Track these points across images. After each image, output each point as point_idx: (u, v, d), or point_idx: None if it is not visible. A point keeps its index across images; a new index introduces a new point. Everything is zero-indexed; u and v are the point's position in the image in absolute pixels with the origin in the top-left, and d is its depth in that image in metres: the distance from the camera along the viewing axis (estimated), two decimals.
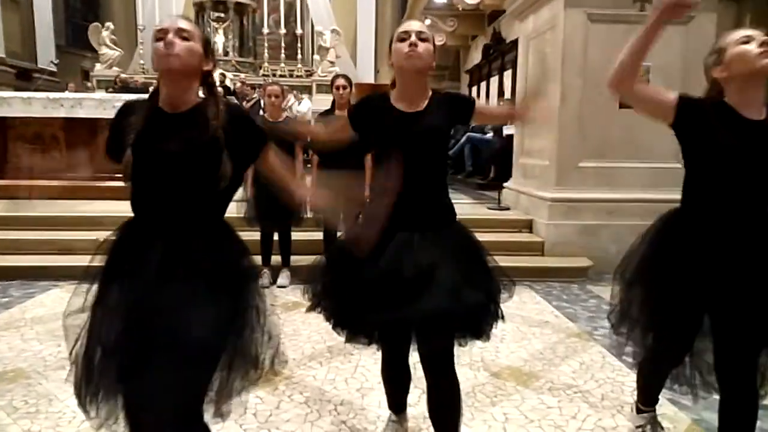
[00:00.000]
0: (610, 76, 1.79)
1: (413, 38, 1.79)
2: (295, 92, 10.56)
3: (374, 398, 2.62)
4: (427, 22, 11.43)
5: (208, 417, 1.58)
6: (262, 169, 1.68)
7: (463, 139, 8.61)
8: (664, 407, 2.41)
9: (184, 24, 1.55)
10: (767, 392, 1.86)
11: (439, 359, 1.82)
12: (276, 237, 4.55)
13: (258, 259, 4.15)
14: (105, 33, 12.95)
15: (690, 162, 1.82)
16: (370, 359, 3.03)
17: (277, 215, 4.30)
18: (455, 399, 1.87)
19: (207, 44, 1.60)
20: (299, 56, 14.71)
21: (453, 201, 1.95)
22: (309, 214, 4.61)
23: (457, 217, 1.94)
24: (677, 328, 1.87)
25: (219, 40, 13.59)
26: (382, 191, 1.82)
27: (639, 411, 2.28)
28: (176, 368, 1.42)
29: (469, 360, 3.00)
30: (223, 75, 10.76)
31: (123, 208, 1.68)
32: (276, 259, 4.56)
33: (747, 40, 1.69)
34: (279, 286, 4.43)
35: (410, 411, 2.29)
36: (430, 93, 1.90)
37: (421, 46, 1.79)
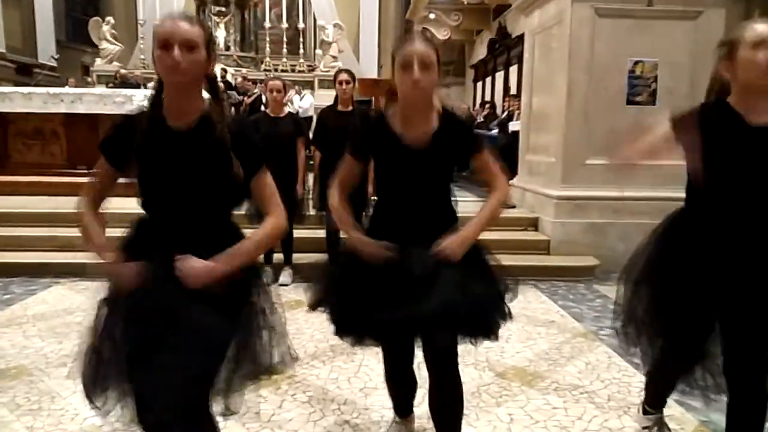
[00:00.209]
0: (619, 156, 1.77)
1: (416, 73, 1.70)
2: (297, 87, 10.51)
3: (378, 398, 2.58)
4: (432, 16, 11.38)
5: (216, 411, 1.60)
6: (254, 189, 1.60)
7: None
8: (671, 408, 2.38)
9: (187, 32, 1.47)
10: None
11: (443, 358, 1.80)
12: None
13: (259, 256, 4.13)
14: (105, 28, 12.93)
15: (691, 171, 1.79)
16: (373, 358, 2.99)
17: None
18: (457, 399, 1.84)
19: (210, 44, 1.55)
20: (301, 51, 14.67)
21: (458, 199, 1.93)
22: (311, 212, 4.58)
23: (462, 215, 1.92)
24: (686, 332, 1.84)
25: (220, 34, 13.57)
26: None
27: (646, 412, 2.24)
28: (182, 363, 1.43)
29: (474, 360, 2.97)
30: (224, 70, 10.73)
31: (125, 205, 1.68)
32: (278, 257, 4.53)
33: (759, 44, 1.61)
34: (281, 285, 4.40)
35: (415, 411, 2.25)
36: (437, 116, 1.83)
37: (424, 80, 1.71)
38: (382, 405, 2.52)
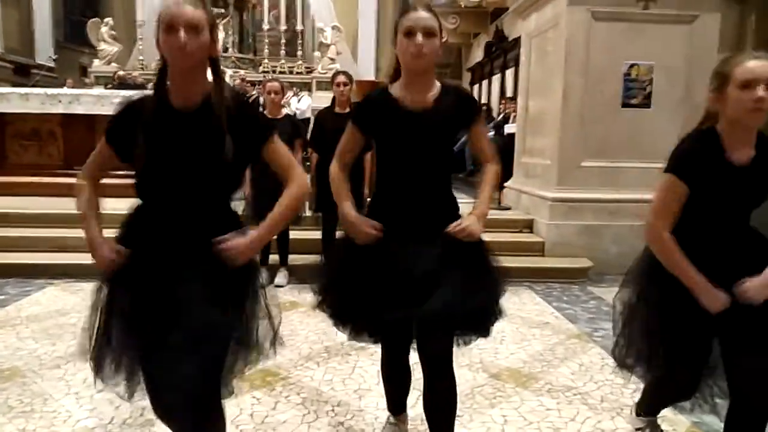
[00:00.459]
0: (652, 234, 1.81)
1: (419, 38, 1.71)
2: (295, 89, 10.52)
3: (372, 399, 2.59)
4: None
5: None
6: (269, 160, 1.65)
7: (464, 138, 8.58)
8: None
9: (192, 15, 1.50)
10: None
11: (439, 361, 1.80)
12: (274, 236, 4.51)
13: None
14: (104, 29, 12.91)
15: None
16: (367, 360, 3.00)
17: None
18: (451, 401, 1.86)
19: (213, 27, 1.57)
20: (299, 53, 14.66)
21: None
22: (308, 213, 4.58)
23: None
24: (686, 358, 1.83)
25: (219, 36, 13.54)
26: None
27: (639, 414, 2.25)
28: (190, 356, 1.47)
29: (469, 361, 2.97)
30: (223, 71, 10.71)
31: (120, 206, 1.70)
32: (273, 258, 4.53)
33: (748, 84, 1.61)
34: (276, 286, 4.40)
35: (408, 413, 2.26)
36: (439, 86, 1.85)
37: (427, 46, 1.73)
38: (376, 406, 2.52)
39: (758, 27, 5.21)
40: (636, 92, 5.05)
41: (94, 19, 13.77)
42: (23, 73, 13.49)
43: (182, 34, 1.47)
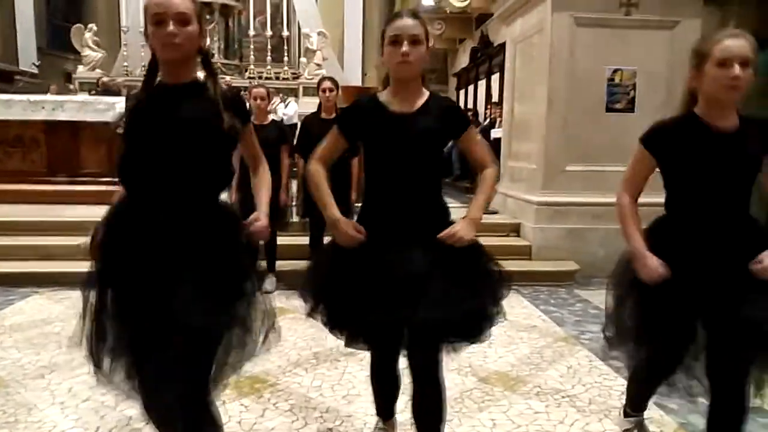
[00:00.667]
0: (617, 197, 1.96)
1: (405, 47, 1.72)
2: (281, 95, 10.51)
3: (361, 405, 2.58)
4: None
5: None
6: (244, 144, 1.75)
7: (450, 142, 8.60)
8: (650, 411, 2.40)
9: (180, 5, 1.50)
10: (764, 397, 1.87)
11: (428, 367, 1.81)
12: (261, 242, 4.49)
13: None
14: (88, 34, 12.80)
15: (667, 178, 1.86)
16: (356, 365, 2.99)
17: None
18: (440, 405, 1.85)
19: (201, 17, 1.58)
20: (285, 58, 14.67)
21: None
22: (295, 219, 4.58)
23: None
24: (669, 338, 1.86)
25: (206, 26, 13.48)
26: None
27: (627, 415, 2.27)
28: (180, 353, 1.48)
29: (457, 365, 2.98)
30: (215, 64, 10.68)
31: (97, 213, 1.67)
32: (261, 264, 4.50)
33: (724, 62, 1.67)
34: (264, 292, 4.36)
35: (397, 417, 2.26)
36: (427, 94, 1.86)
37: (413, 54, 1.73)
38: (365, 412, 2.52)
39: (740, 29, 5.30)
40: (620, 97, 5.11)
41: (77, 25, 13.65)
42: (6, 80, 13.32)
43: (171, 26, 1.48)
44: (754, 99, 1.78)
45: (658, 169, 1.88)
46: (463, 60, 12.57)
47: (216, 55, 13.99)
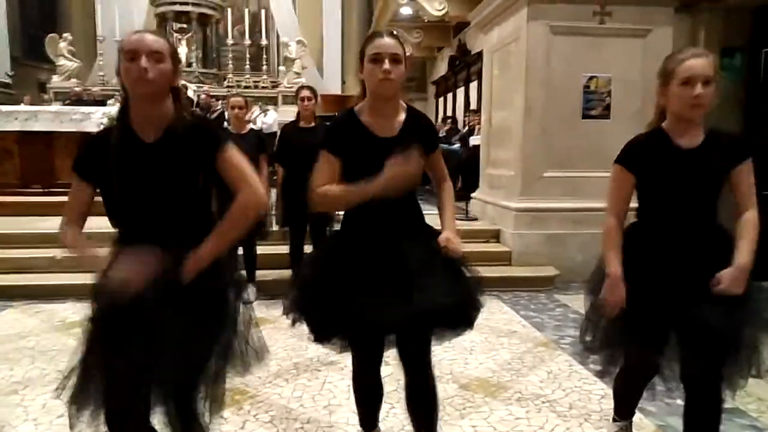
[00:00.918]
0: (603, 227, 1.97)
1: (386, 65, 1.75)
2: (260, 104, 10.47)
3: (342, 415, 2.57)
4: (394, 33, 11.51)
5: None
6: (221, 171, 1.60)
7: None
8: None
9: (154, 43, 1.53)
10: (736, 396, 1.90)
11: (421, 357, 1.88)
12: (240, 251, 4.46)
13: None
14: (63, 44, 12.66)
15: (639, 190, 1.94)
16: (337, 375, 2.98)
17: None
18: (433, 393, 1.93)
19: (175, 57, 1.59)
20: (264, 67, 14.64)
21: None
22: (275, 228, 4.55)
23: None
24: (646, 339, 1.90)
25: (182, 51, 13.40)
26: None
27: (615, 420, 2.30)
28: (171, 380, 1.56)
29: (439, 373, 2.94)
30: (185, 86, 10.61)
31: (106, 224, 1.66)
32: (240, 274, 4.47)
33: (688, 80, 1.75)
34: (245, 302, 4.33)
35: (381, 426, 2.25)
36: (405, 111, 1.90)
37: (395, 72, 1.77)
38: (346, 422, 2.51)
39: (707, 39, 5.43)
40: (595, 104, 5.18)
41: (52, 35, 13.49)
42: None
43: (143, 60, 1.49)
44: (726, 103, 1.84)
45: None
46: (441, 68, 12.66)
47: (194, 64, 13.92)
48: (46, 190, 6.41)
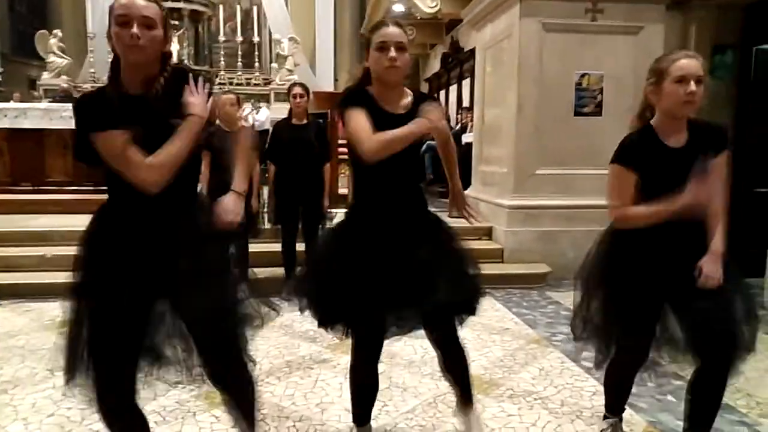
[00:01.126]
0: (616, 215, 1.98)
1: (392, 52, 1.83)
2: (252, 101, 10.43)
3: (334, 413, 2.56)
4: None
5: None
6: None
7: (423, 147, 8.64)
8: None
9: (145, 9, 1.51)
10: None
11: (450, 335, 2.08)
12: (233, 249, 4.44)
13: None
14: (53, 41, 12.53)
15: None
16: (329, 373, 2.98)
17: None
18: (465, 358, 2.15)
19: (166, 22, 1.59)
20: (257, 64, 14.56)
21: None
22: (267, 226, 4.54)
23: None
24: (638, 325, 1.99)
25: (173, 48, 13.31)
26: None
27: (605, 417, 2.33)
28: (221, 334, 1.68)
29: (431, 370, 2.98)
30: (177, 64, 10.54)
31: (71, 222, 1.69)
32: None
33: (681, 79, 1.83)
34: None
35: (372, 424, 2.25)
36: (411, 94, 1.99)
37: (400, 59, 1.85)
38: (338, 420, 2.50)
39: (698, 36, 5.44)
40: (587, 101, 5.19)
41: (42, 31, 13.35)
42: None
43: (135, 28, 1.48)
44: (717, 101, 1.89)
45: None
46: (434, 65, 12.65)
47: (186, 61, 13.82)
48: (36, 188, 6.35)
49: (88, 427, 2.36)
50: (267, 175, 4.47)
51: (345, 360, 3.17)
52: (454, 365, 2.17)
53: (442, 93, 12.05)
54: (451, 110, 10.93)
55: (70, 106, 6.95)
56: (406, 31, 1.92)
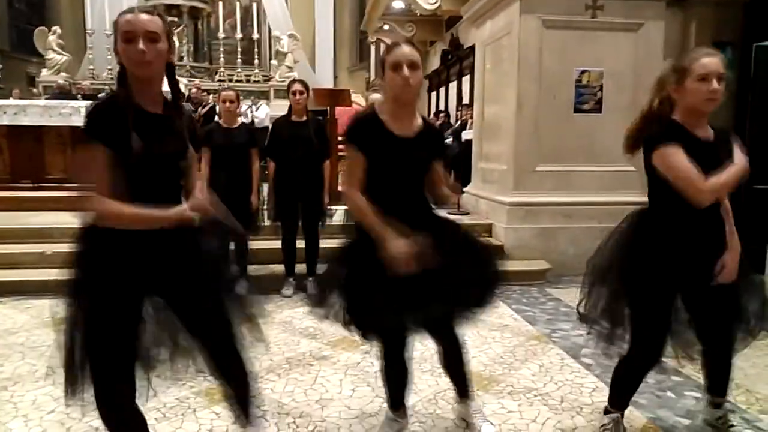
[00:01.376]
0: (708, 190, 1.92)
1: (405, 71, 1.91)
2: (252, 98, 10.42)
3: (334, 409, 2.57)
4: (386, 27, 11.48)
5: None
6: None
7: None
8: None
9: (150, 24, 1.56)
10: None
11: (452, 332, 2.19)
12: (232, 246, 4.44)
13: None
14: (52, 37, 12.54)
15: (655, 179, 2.02)
16: (329, 369, 2.98)
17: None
18: (463, 354, 2.26)
19: (169, 34, 1.63)
20: (256, 61, 14.57)
21: None
22: (266, 223, 4.54)
23: None
24: (656, 318, 2.05)
25: (175, 43, 13.31)
26: None
27: (607, 411, 2.32)
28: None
29: (431, 367, 2.98)
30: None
31: (70, 219, 1.68)
32: (233, 268, 4.45)
33: (704, 77, 1.91)
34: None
35: (372, 420, 2.26)
36: (420, 119, 2.08)
37: (414, 78, 1.93)
38: (338, 416, 2.51)
39: (698, 33, 5.45)
40: (587, 98, 5.19)
41: (41, 28, 13.35)
42: None
43: (141, 44, 1.53)
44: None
45: (632, 168, 2.00)
46: (434, 62, 12.63)
47: (185, 58, 13.82)
48: (35, 185, 6.35)
49: (88, 423, 2.36)
50: (267, 172, 4.47)
51: (345, 357, 3.19)
52: (456, 359, 2.26)
53: (442, 90, 12.03)
54: (450, 107, 10.92)
55: (69, 103, 6.98)
56: (419, 51, 2.02)
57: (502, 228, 5.28)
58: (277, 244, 4.47)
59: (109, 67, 12.40)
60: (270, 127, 4.67)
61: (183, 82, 10.97)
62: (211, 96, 9.58)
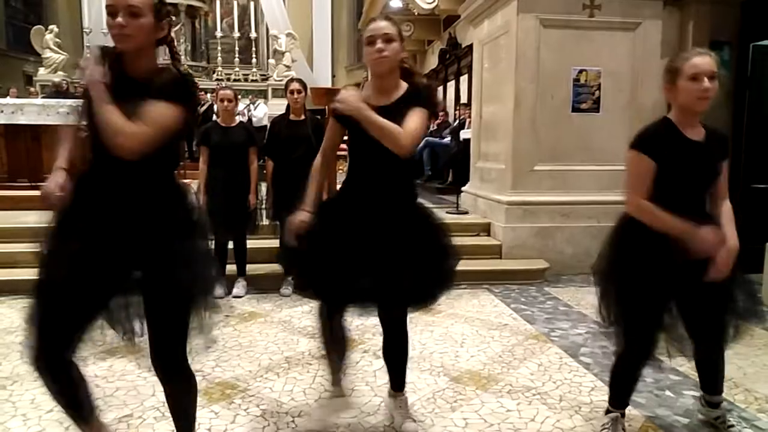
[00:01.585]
0: (632, 202, 2.03)
1: (379, 43, 1.95)
2: (251, 97, 10.41)
3: (333, 409, 2.56)
4: None
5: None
6: None
7: (422, 143, 8.65)
8: None
9: None
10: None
11: (397, 322, 2.25)
12: (231, 246, 4.44)
13: None
14: (48, 36, 12.50)
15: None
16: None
17: (232, 223, 4.20)
18: (405, 347, 2.32)
19: (158, 10, 1.60)
20: (254, 60, 14.54)
21: None
22: (265, 222, 4.53)
23: None
24: (646, 317, 2.07)
25: (167, 19, 13.29)
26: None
27: (608, 411, 2.33)
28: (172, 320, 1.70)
29: (429, 366, 2.98)
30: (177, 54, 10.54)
31: (35, 219, 1.67)
32: (231, 268, 4.45)
33: (695, 77, 1.93)
34: (235, 296, 4.33)
35: (371, 419, 2.26)
36: (405, 87, 2.08)
37: (387, 49, 1.96)
38: (338, 415, 2.50)
39: (696, 32, 5.45)
40: (585, 97, 5.19)
41: (38, 27, 13.31)
42: None
43: (120, 18, 1.53)
44: (714, 97, 1.98)
45: (622, 167, 2.01)
46: (432, 61, 12.62)
47: (183, 57, 13.79)
48: (32, 184, 6.33)
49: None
50: (265, 171, 4.46)
51: None
52: (396, 349, 2.32)
53: (440, 89, 12.03)
54: (449, 106, 10.92)
55: (66, 101, 6.96)
56: (396, 23, 2.02)
57: (500, 227, 5.29)
58: (275, 243, 4.46)
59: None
60: (268, 126, 4.67)
61: None
62: (208, 95, 9.57)
